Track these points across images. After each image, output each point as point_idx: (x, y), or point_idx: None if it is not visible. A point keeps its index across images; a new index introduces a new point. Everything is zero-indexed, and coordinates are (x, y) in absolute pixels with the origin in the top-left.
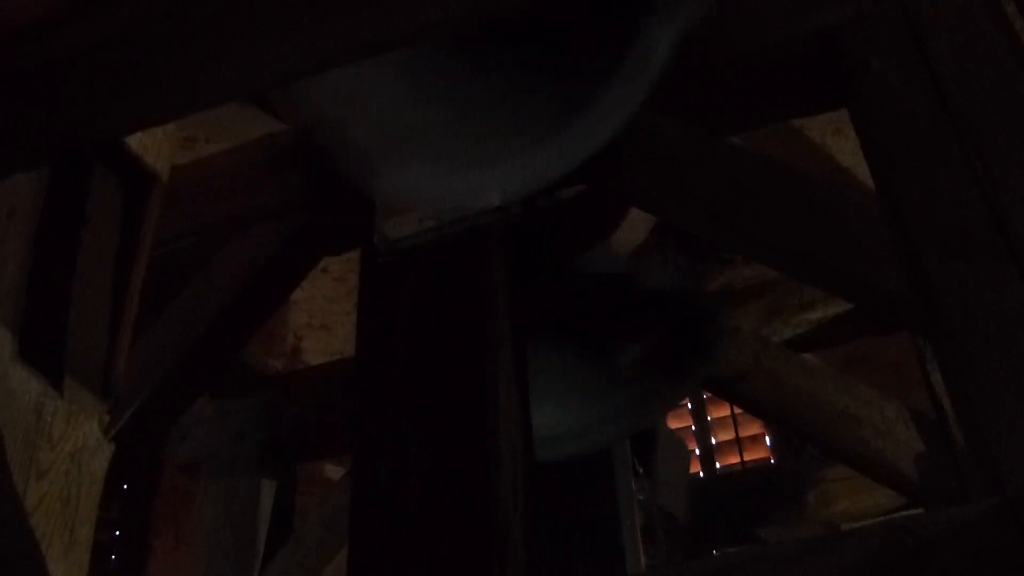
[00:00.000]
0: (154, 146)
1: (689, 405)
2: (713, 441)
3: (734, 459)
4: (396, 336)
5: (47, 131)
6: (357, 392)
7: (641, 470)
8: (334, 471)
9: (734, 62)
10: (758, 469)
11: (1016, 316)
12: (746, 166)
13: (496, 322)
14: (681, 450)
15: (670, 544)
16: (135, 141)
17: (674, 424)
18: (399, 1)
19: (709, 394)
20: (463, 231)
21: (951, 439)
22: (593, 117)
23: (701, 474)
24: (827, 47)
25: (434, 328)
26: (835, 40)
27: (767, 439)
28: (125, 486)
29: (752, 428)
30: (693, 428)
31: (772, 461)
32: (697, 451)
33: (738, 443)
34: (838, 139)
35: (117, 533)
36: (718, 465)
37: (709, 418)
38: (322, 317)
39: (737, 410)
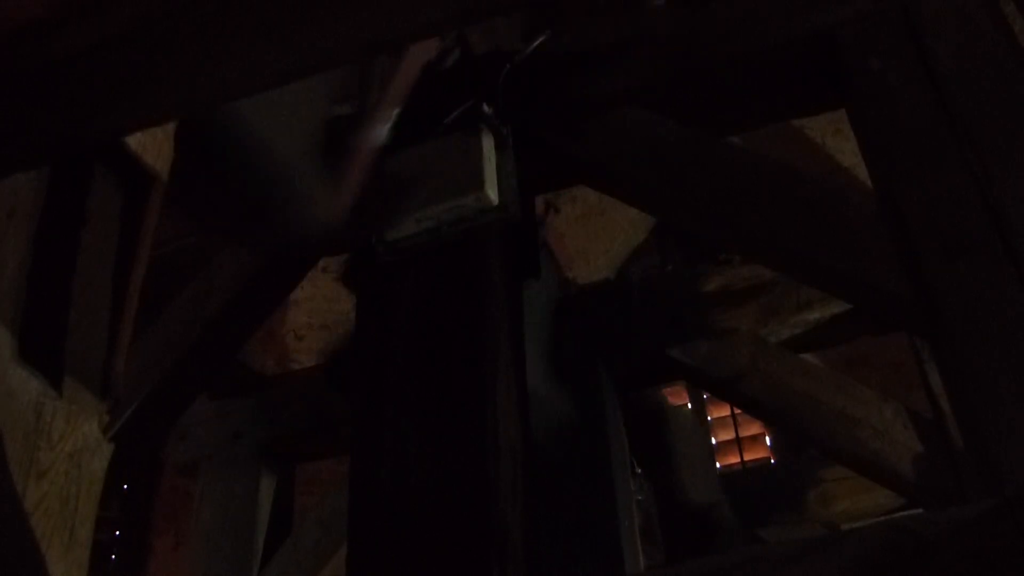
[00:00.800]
0: (154, 146)
1: (689, 405)
2: (713, 441)
3: (734, 459)
4: (396, 336)
5: (47, 131)
6: (357, 392)
7: (639, 470)
8: (332, 471)
9: (734, 62)
10: (758, 469)
11: (1016, 316)
12: (746, 166)
13: (495, 322)
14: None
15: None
16: (135, 141)
17: None
18: (399, 1)
19: (708, 394)
20: (462, 232)
21: (949, 440)
22: None
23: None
24: (827, 47)
25: (434, 328)
26: (835, 40)
27: (767, 439)
28: (125, 486)
29: (752, 428)
30: None
31: (772, 461)
32: None
33: (738, 443)
34: (838, 139)
35: (117, 533)
36: (718, 465)
37: (709, 418)
38: (322, 317)
39: (737, 410)
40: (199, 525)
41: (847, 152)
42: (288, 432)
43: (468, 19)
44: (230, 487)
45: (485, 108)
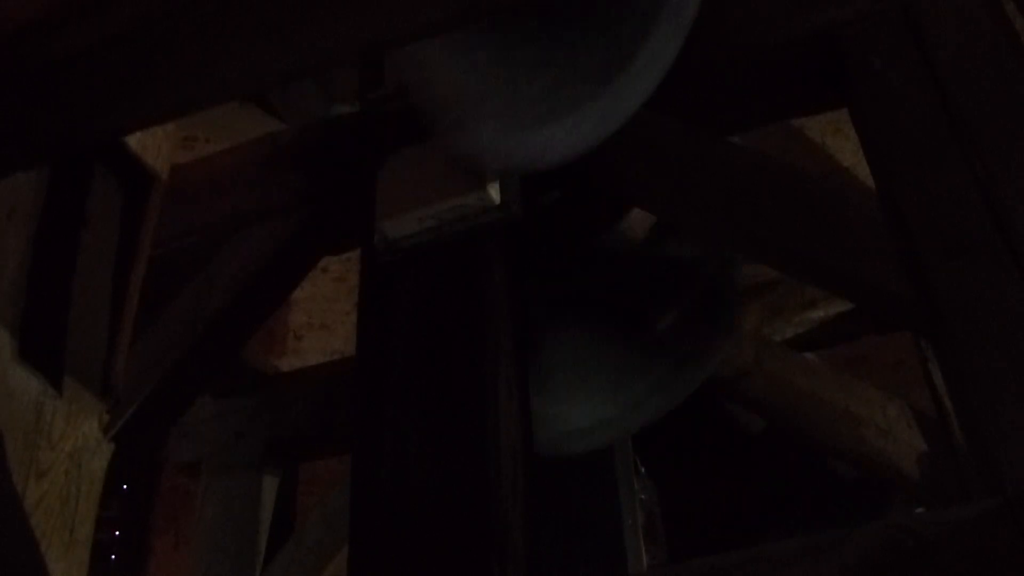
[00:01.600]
0: (154, 146)
1: None
2: None
3: None
4: (396, 336)
5: (47, 131)
6: (357, 392)
7: (643, 469)
8: (334, 470)
9: (734, 62)
10: None
11: (1016, 316)
12: (746, 166)
13: (496, 321)
14: None
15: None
16: (135, 141)
17: None
18: (399, 1)
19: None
20: (463, 231)
21: (953, 439)
22: (636, 69)
23: None
24: (828, 47)
25: (434, 328)
26: (836, 40)
27: None
28: (125, 486)
29: None
30: None
31: None
32: None
33: None
34: (838, 139)
35: (117, 533)
36: None
37: None
38: (322, 317)
39: None
40: (201, 524)
41: (847, 152)
42: (290, 431)
43: (468, 19)
44: (232, 486)
45: None
